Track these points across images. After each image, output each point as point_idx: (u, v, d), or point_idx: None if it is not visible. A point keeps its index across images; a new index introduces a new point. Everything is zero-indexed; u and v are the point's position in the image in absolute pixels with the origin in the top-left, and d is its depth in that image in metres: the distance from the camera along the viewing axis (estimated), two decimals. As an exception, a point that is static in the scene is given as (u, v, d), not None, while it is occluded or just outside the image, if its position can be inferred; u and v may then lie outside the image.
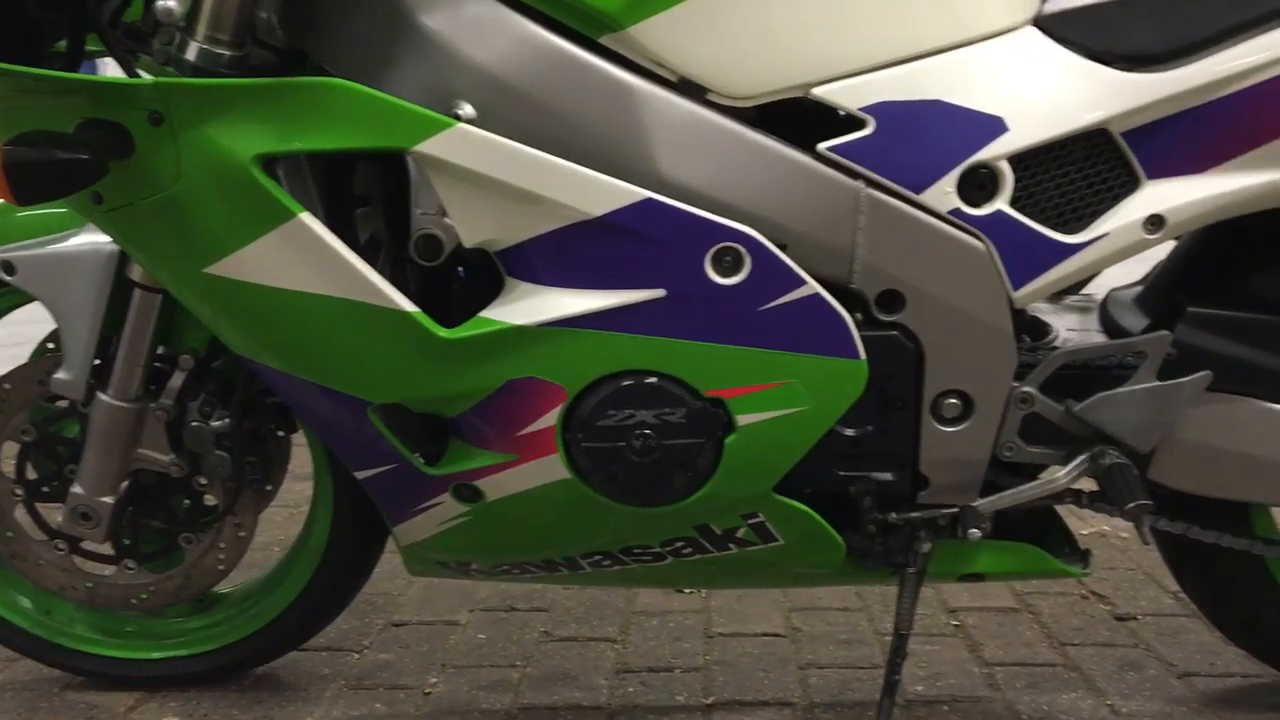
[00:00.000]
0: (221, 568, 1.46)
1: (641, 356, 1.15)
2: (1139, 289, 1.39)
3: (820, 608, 1.79)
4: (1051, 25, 1.20)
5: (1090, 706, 1.46)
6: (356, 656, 1.64)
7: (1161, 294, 1.33)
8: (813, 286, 1.13)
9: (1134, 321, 1.31)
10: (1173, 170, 1.18)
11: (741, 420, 1.17)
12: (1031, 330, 1.36)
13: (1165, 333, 1.20)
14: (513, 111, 1.11)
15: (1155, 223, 1.18)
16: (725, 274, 1.13)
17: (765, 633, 1.71)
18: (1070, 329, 1.37)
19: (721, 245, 1.12)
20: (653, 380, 1.16)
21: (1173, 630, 1.69)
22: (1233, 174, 1.16)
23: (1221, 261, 1.29)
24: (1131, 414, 1.21)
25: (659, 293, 1.13)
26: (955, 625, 1.73)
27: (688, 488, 1.20)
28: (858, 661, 1.60)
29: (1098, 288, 1.41)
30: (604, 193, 1.10)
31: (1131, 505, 1.18)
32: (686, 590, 1.85)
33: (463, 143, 1.09)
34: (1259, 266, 1.25)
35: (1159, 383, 1.20)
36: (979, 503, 1.25)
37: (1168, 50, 1.16)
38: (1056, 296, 1.45)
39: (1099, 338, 1.33)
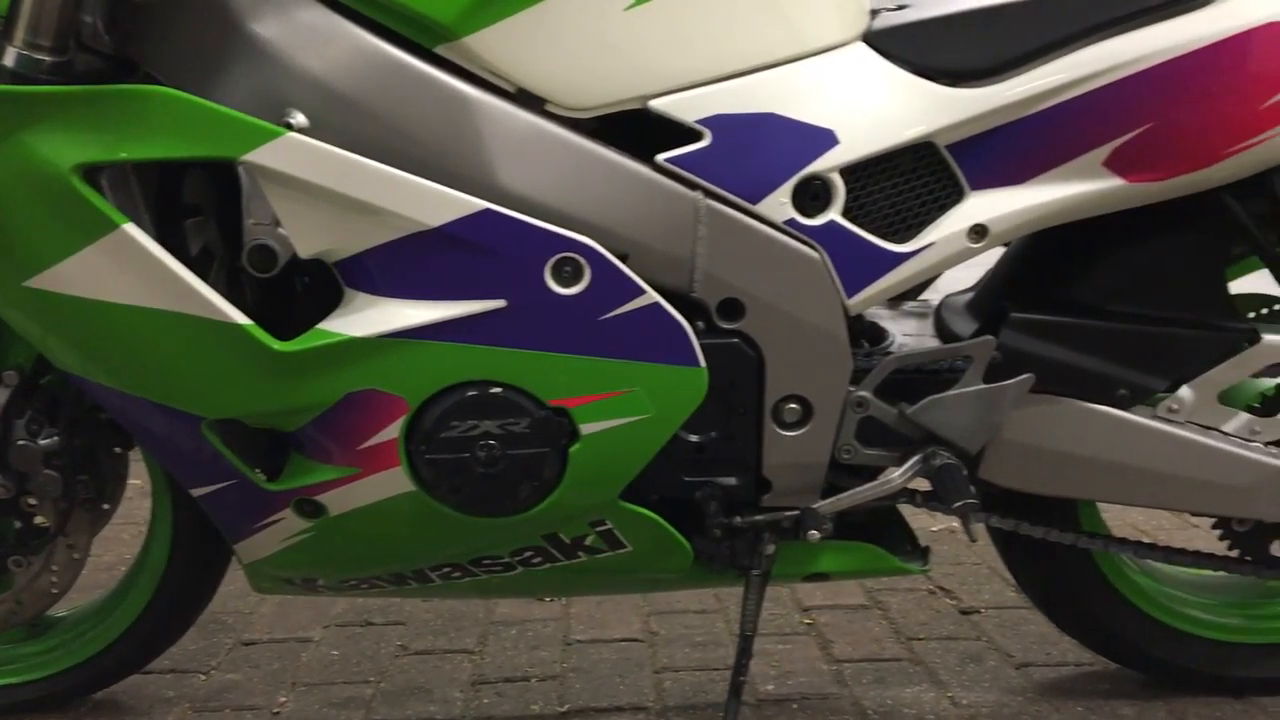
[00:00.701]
0: (54, 591, 1.41)
1: (483, 367, 1.15)
2: (971, 295, 1.45)
3: (679, 611, 1.81)
4: (880, 41, 1.24)
5: (932, 699, 1.51)
6: (203, 678, 1.60)
7: (990, 300, 1.38)
8: (652, 296, 1.15)
9: (964, 326, 1.37)
10: (994, 181, 1.23)
11: (585, 429, 1.18)
12: (870, 335, 1.40)
13: (989, 338, 1.25)
14: (346, 121, 1.10)
15: (979, 232, 1.23)
16: (565, 284, 1.13)
17: (623, 638, 1.72)
18: (906, 334, 1.41)
19: (561, 256, 1.13)
20: (496, 390, 1.16)
21: (1013, 622, 1.76)
22: (1051, 185, 1.22)
23: (1044, 268, 1.34)
24: (960, 416, 1.25)
25: (499, 303, 1.13)
26: (808, 624, 1.77)
27: (534, 497, 1.20)
28: (712, 663, 1.62)
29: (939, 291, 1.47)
30: (441, 203, 1.10)
31: (958, 504, 1.23)
32: (546, 598, 1.85)
33: (294, 152, 1.07)
34: (1078, 273, 1.31)
35: (985, 385, 1.25)
36: (819, 505, 1.28)
37: (988, 66, 1.21)
38: (895, 303, 1.50)
39: (933, 343, 1.38)
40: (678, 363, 1.17)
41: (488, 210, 1.11)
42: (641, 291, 1.14)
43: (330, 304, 1.16)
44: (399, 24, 1.11)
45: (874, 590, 1.89)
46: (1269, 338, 1.28)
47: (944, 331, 1.39)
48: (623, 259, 1.16)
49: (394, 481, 1.19)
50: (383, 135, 1.11)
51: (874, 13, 1.30)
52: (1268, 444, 1.31)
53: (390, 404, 1.15)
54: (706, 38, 1.18)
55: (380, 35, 1.11)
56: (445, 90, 1.12)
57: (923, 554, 1.38)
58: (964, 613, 1.81)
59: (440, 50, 1.12)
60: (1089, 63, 1.18)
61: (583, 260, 1.13)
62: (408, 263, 1.12)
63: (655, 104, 1.17)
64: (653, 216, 1.18)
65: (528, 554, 1.28)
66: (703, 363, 1.17)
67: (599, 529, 1.25)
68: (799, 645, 1.69)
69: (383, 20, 1.11)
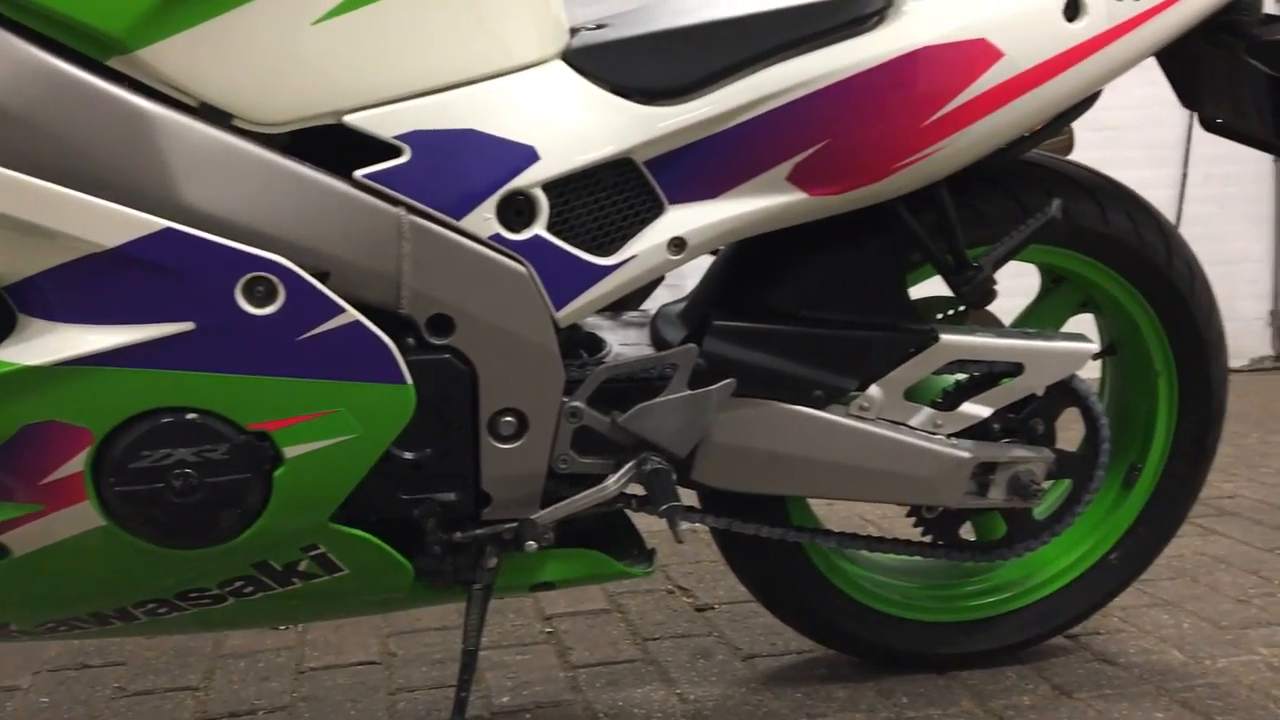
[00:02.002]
0: None
1: (174, 393, 1.10)
2: (684, 303, 1.50)
3: (419, 629, 1.80)
4: (578, 60, 1.27)
5: (661, 698, 1.56)
6: (-114, 742, 1.47)
7: (699, 308, 1.44)
8: (352, 314, 1.13)
9: (675, 334, 1.41)
10: (690, 195, 1.28)
11: (289, 452, 1.15)
12: (588, 345, 1.43)
13: (692, 345, 1.30)
14: (11, 138, 1.04)
15: (678, 244, 1.27)
16: (258, 304, 1.10)
17: (359, 662, 1.69)
18: (623, 344, 1.45)
19: (252, 275, 1.10)
20: (191, 417, 1.12)
21: (744, 616, 1.83)
22: (741, 198, 1.28)
23: (746, 276, 1.41)
24: (667, 421, 1.30)
25: (187, 326, 1.09)
26: (548, 632, 1.79)
27: (237, 525, 1.16)
28: (450, 681, 1.61)
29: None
30: (117, 223, 1.05)
31: (665, 507, 1.27)
32: (280, 626, 1.79)
33: (-51, 171, 1.00)
34: (776, 281, 1.38)
35: (689, 392, 1.30)
36: (537, 515, 1.29)
37: (680, 85, 1.25)
38: (616, 312, 1.54)
39: (647, 351, 1.42)
40: (383, 381, 1.15)
41: (169, 229, 1.06)
42: (340, 310, 1.13)
43: (3, 332, 1.09)
44: (67, 37, 1.05)
45: (614, 594, 1.93)
46: (947, 337, 1.38)
47: (658, 340, 1.44)
48: (324, 277, 1.14)
49: (82, 517, 1.12)
50: (52, 153, 1.05)
51: (573, 31, 1.33)
52: (949, 436, 1.41)
53: (73, 435, 1.09)
54: (403, 53, 1.17)
55: (45, 48, 1.05)
56: (119, 105, 1.06)
57: (648, 557, 1.41)
58: (699, 610, 1.87)
59: (113, 64, 1.07)
60: (770, 83, 1.24)
61: (276, 279, 1.10)
62: (85, 286, 1.06)
63: (350, 119, 1.16)
64: (354, 233, 1.16)
65: (238, 584, 1.23)
66: (409, 380, 1.16)
67: (312, 554, 1.22)
68: (538, 654, 1.70)
69: (49, 33, 1.05)
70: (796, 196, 1.27)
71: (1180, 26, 1.29)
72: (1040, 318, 1.54)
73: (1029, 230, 1.32)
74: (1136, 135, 4.09)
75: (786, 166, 1.26)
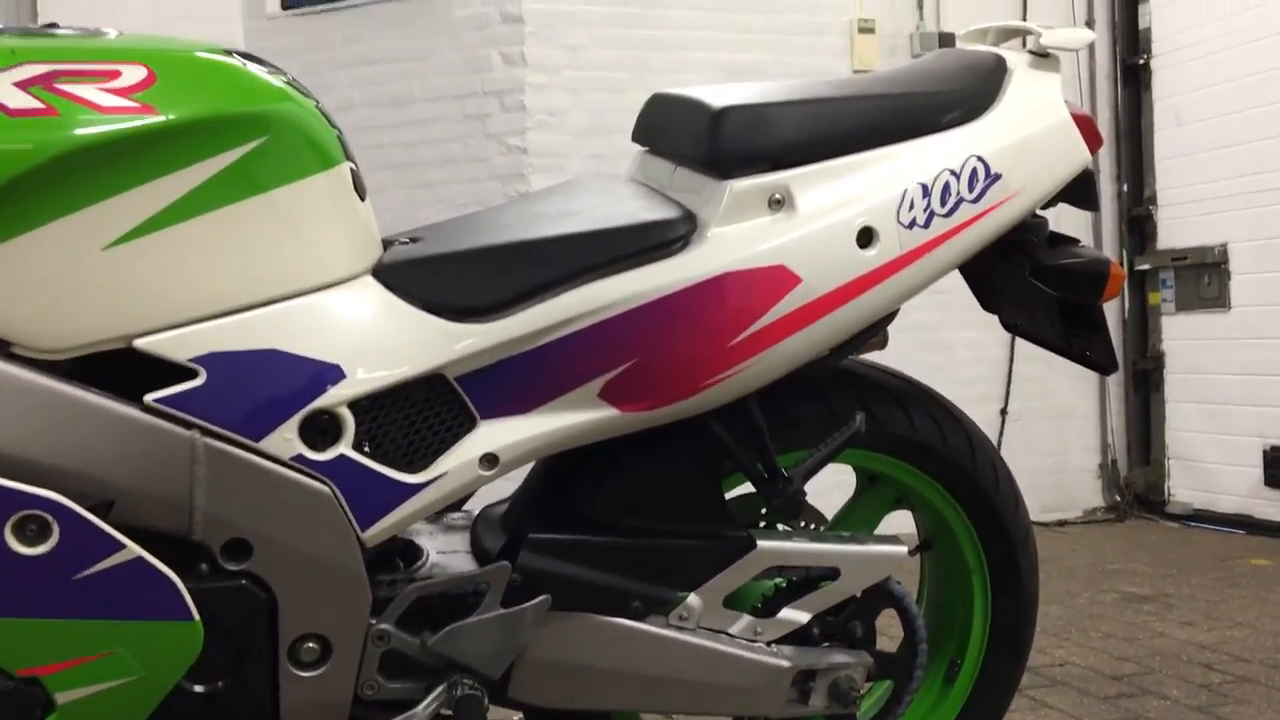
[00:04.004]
0: None
1: (-69, 640, 1.02)
2: (506, 506, 1.48)
3: None
4: (388, 276, 1.26)
5: None
6: None
7: (518, 514, 1.42)
8: (133, 550, 1.08)
9: (494, 542, 1.38)
10: (503, 410, 1.27)
11: (62, 698, 1.07)
12: (404, 554, 1.39)
13: (505, 564, 1.27)
14: None
15: (490, 460, 1.26)
16: (29, 543, 1.04)
17: None
18: (441, 551, 1.42)
19: (23, 514, 1.04)
20: (-47, 663, 1.04)
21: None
22: (554, 414, 1.27)
23: (563, 485, 1.40)
24: (481, 643, 1.26)
25: (-51, 568, 1.02)
26: None
27: (3, 778, 1.07)
28: None
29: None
30: None
31: (469, 738, 1.22)
32: None
33: None
34: (592, 490, 1.37)
35: (503, 611, 1.26)
36: (340, 747, 1.23)
37: (490, 304, 1.25)
38: (438, 515, 1.51)
39: (464, 560, 1.39)
40: (166, 618, 1.09)
41: (-70, 469, 1.00)
42: (121, 546, 1.07)
43: None
44: None
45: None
46: (764, 544, 1.38)
47: (477, 548, 1.41)
48: (109, 506, 1.09)
49: None
50: None
51: (386, 244, 1.33)
52: (770, 643, 1.41)
53: None
54: (201, 274, 1.15)
55: None
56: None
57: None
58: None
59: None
60: (579, 303, 1.25)
61: (49, 517, 1.04)
62: None
63: (141, 343, 1.12)
64: (142, 460, 1.11)
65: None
66: (196, 616, 1.11)
67: (90, 802, 1.13)
68: None
69: None
70: (608, 412, 1.28)
71: (968, 251, 1.36)
72: (857, 515, 1.57)
73: (835, 444, 1.35)
74: (966, 297, 4.30)
75: (597, 384, 1.27)
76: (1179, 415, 4.54)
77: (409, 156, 4.16)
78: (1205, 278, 4.39)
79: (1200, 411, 4.45)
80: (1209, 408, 4.40)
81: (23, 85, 1.07)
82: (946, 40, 4.26)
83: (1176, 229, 4.52)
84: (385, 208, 4.06)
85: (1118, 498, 4.64)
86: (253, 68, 1.21)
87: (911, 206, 1.31)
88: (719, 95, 1.36)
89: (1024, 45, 1.49)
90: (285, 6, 4.35)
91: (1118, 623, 2.92)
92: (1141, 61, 4.61)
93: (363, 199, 1.28)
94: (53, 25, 1.20)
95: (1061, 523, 4.47)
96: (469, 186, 4.08)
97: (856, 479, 1.60)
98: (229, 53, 1.22)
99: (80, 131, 1.08)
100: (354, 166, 1.27)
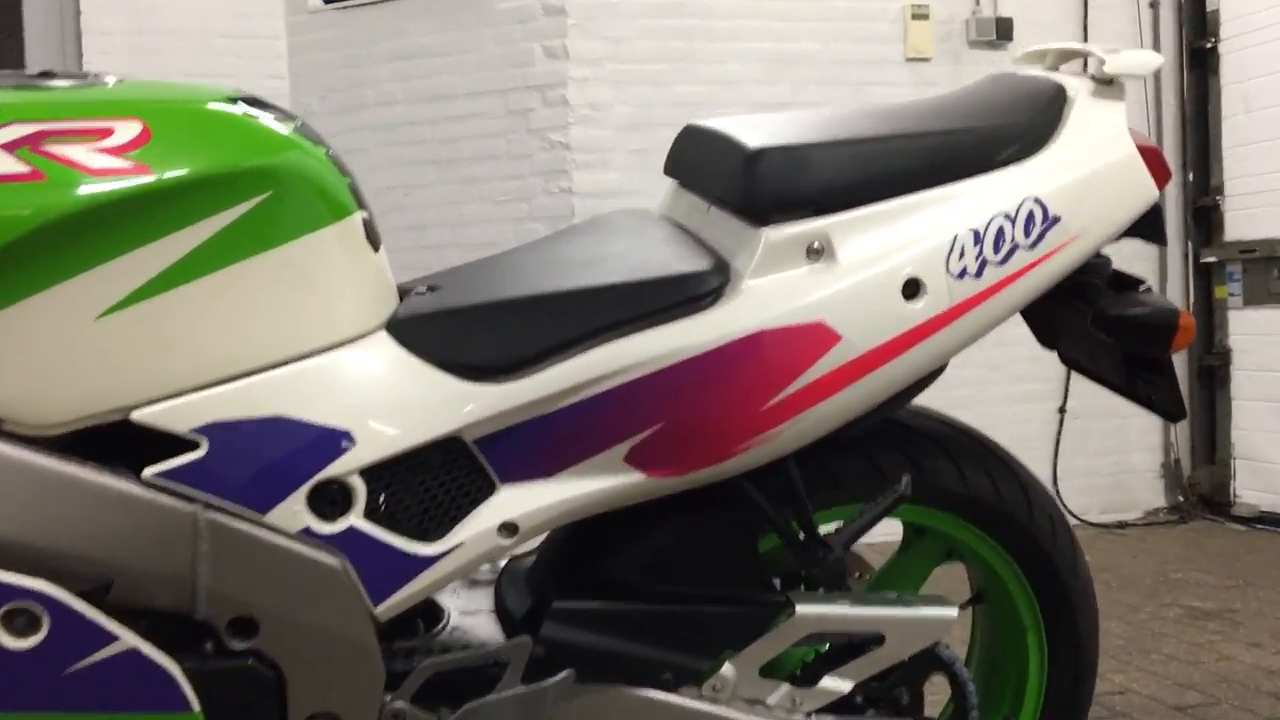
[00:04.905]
0: None
1: (-83, 739, 0.98)
2: (533, 560, 1.41)
3: None
4: (402, 332, 1.19)
5: None
6: None
7: (543, 574, 1.35)
8: (128, 641, 1.02)
9: (519, 603, 1.32)
10: (524, 475, 1.19)
11: (51, 792, 1.02)
12: (425, 615, 1.33)
13: (526, 639, 1.20)
14: None
15: (510, 529, 1.19)
16: (19, 636, 0.99)
17: None
18: (464, 611, 1.36)
19: (12, 606, 0.98)
20: (-57, 759, 0.99)
21: None
22: (577, 479, 1.20)
23: (588, 547, 1.32)
24: (500, 720, 1.20)
25: (-65, 664, 0.97)
26: None
27: None
28: None
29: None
30: None
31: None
32: None
33: None
34: (618, 552, 1.30)
35: (524, 688, 1.20)
36: (355, 828, 1.17)
37: (510, 362, 1.18)
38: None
39: (487, 623, 1.33)
40: (162, 710, 1.04)
41: (-89, 563, 0.95)
42: (114, 638, 1.02)
43: None
44: None
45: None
46: (803, 609, 1.30)
47: (501, 609, 1.34)
48: (107, 587, 1.03)
49: None
50: None
51: (403, 293, 1.26)
52: (810, 714, 1.32)
53: None
54: (200, 340, 1.09)
55: None
56: None
57: None
58: None
59: None
60: (604, 362, 1.17)
61: (39, 608, 0.99)
62: None
63: (138, 415, 1.06)
64: (141, 538, 1.06)
65: None
66: (195, 706, 1.05)
67: None
68: None
69: None
70: (635, 477, 1.20)
71: (1024, 301, 1.26)
72: (904, 569, 1.48)
73: (879, 509, 1.26)
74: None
75: (624, 447, 1.19)
76: (1246, 413, 4.37)
77: (451, 152, 4.09)
78: (1275, 271, 4.21)
79: (1269, 409, 4.27)
80: (1278, 406, 4.23)
81: (9, 148, 1.01)
82: (1004, 27, 4.10)
83: (1244, 220, 4.33)
84: (427, 204, 4.09)
85: (1181, 499, 4.48)
86: (258, 116, 1.14)
87: (962, 255, 1.21)
88: (754, 132, 1.27)
89: (1085, 68, 1.38)
90: (327, 0, 4.30)
91: (1180, 643, 2.80)
92: (1209, 45, 4.41)
93: (376, 249, 1.21)
94: (47, 73, 1.14)
95: (1122, 525, 4.32)
96: (511, 183, 4.01)
97: (904, 531, 1.51)
98: (234, 100, 1.15)
99: (69, 197, 1.01)
100: (367, 215, 1.20)
